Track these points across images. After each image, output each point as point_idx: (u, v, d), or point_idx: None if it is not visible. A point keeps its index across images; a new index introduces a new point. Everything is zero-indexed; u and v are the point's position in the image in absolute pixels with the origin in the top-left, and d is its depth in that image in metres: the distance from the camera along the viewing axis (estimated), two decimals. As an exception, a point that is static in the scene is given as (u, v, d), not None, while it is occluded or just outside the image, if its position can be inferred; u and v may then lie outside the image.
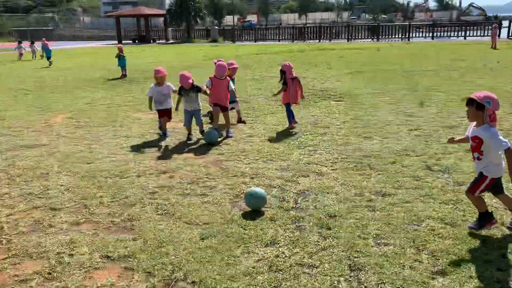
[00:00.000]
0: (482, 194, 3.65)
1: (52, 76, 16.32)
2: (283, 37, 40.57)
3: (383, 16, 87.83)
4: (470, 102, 3.47)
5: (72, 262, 3.43)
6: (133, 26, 52.09)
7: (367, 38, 37.76)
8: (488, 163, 3.53)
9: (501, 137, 3.42)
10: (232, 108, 7.74)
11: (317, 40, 37.94)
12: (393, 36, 36.81)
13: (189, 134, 7.13)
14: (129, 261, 3.42)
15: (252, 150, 6.24)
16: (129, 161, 5.93)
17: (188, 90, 6.88)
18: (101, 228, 4.01)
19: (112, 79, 15.00)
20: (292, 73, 7.44)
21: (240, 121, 8.02)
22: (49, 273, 3.28)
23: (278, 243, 3.62)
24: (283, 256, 3.43)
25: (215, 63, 7.29)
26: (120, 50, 15.40)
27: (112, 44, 42.28)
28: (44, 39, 25.72)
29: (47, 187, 5.05)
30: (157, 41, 44.92)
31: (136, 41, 43.52)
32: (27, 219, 4.23)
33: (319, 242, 3.60)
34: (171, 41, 45.10)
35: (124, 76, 15.30)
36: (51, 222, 4.14)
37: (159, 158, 6.08)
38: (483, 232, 3.66)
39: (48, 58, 21.60)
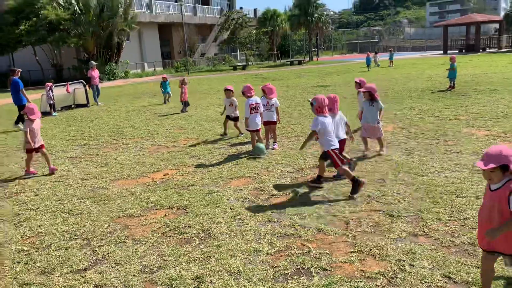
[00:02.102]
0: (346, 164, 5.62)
1: (381, 86, 17.33)
2: None
3: None
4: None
5: (413, 272, 3.48)
6: (459, 35, 49.44)
7: None
8: (323, 142, 5.53)
9: (316, 123, 5.46)
10: None
11: None
12: None
13: None
14: (475, 289, 3.20)
15: None
16: (465, 180, 5.58)
17: None
18: (440, 245, 3.92)
19: (439, 90, 14.63)
20: None
21: None
22: (392, 278, 3.44)
23: None
24: None
25: None
26: (453, 60, 14.84)
27: (437, 54, 41.40)
28: (391, 49, 29.88)
29: (384, 193, 5.35)
30: (487, 50, 41.03)
31: (463, 51, 41.07)
32: (368, 219, 4.60)
33: None
34: (505, 49, 40.28)
35: (452, 88, 14.67)
36: (390, 227, 4.35)
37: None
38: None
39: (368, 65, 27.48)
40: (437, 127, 8.94)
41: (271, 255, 3.96)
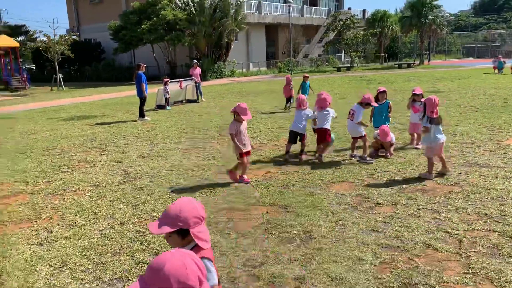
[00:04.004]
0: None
1: (500, 95, 15.79)
2: None
3: None
4: None
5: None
6: None
7: None
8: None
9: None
10: None
11: None
12: None
13: None
14: None
15: None
16: None
17: None
18: None
19: None
20: None
21: None
22: (513, 308, 3.11)
23: None
24: None
25: None
26: None
27: None
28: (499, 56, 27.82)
29: (505, 212, 4.86)
30: None
31: None
32: (485, 240, 4.22)
33: None
34: None
35: None
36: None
37: None
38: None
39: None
40: None
41: (375, 265, 3.82)
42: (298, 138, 7.80)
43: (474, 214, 4.87)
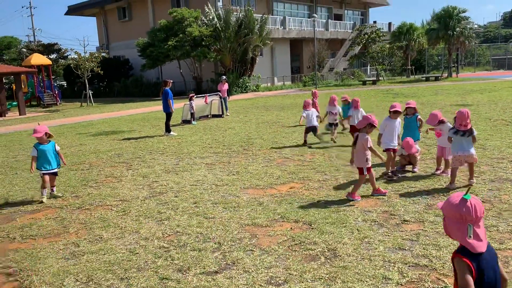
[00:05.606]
0: None
1: (533, 107, 15.31)
2: None
3: None
4: None
5: None
6: None
7: None
8: None
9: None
10: None
11: None
12: None
13: None
14: None
15: None
16: None
17: None
18: None
19: None
20: None
21: None
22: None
23: None
24: None
25: None
26: None
27: None
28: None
29: (539, 231, 4.67)
30: None
31: None
32: None
33: None
34: None
35: None
36: (547, 273, 3.77)
37: None
38: None
39: None
40: None
41: (401, 285, 3.72)
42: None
43: (506, 233, 4.69)
